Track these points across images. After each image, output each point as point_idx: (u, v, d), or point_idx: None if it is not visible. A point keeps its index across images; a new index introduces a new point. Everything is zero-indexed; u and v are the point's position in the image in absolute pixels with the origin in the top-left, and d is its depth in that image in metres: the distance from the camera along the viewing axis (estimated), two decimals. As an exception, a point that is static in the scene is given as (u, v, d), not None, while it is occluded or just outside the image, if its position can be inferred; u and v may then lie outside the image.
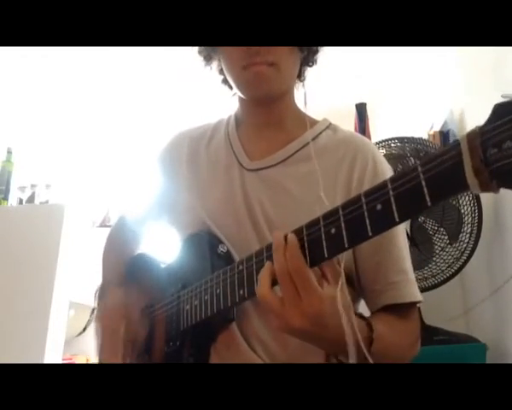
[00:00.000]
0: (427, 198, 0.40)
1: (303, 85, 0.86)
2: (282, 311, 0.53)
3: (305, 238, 0.52)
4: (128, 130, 3.01)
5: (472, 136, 0.37)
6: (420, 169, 0.41)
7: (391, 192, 0.43)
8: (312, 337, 0.55)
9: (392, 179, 0.44)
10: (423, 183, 0.40)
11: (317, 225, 0.51)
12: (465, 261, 1.36)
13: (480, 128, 0.37)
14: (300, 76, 0.84)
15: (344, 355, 0.54)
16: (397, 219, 0.43)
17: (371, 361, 0.53)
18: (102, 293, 0.86)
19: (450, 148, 0.39)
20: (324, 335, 0.54)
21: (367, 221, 0.45)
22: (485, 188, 0.37)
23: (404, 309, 0.69)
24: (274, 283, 0.54)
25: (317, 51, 0.83)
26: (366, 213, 0.45)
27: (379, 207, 0.44)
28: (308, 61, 0.82)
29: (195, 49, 0.85)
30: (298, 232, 0.53)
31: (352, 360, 0.52)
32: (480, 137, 0.37)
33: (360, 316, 0.61)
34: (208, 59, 0.83)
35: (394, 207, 0.43)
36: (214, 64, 0.84)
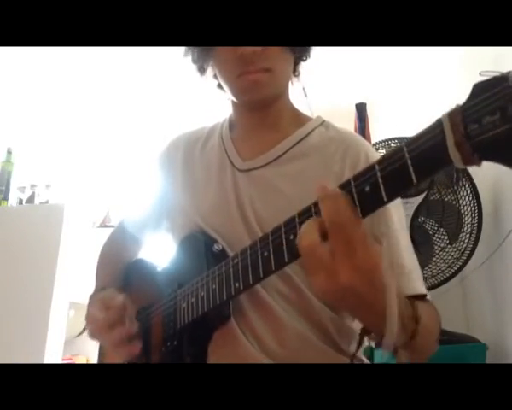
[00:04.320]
0: (413, 176, 0.42)
1: (298, 80, 0.84)
2: (331, 264, 0.46)
3: (297, 226, 0.52)
4: (128, 130, 3.00)
5: (453, 113, 0.39)
6: (405, 149, 0.42)
7: (378, 173, 0.45)
8: (358, 299, 0.47)
9: (380, 161, 0.45)
10: (409, 162, 0.42)
11: (309, 212, 0.51)
12: (465, 261, 1.36)
13: (461, 106, 0.39)
14: (295, 71, 0.83)
15: (380, 334, 0.48)
16: (385, 199, 0.44)
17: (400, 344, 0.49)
18: (93, 299, 0.84)
19: (434, 126, 0.41)
20: (371, 297, 0.47)
21: (356, 203, 0.46)
22: (468, 161, 0.38)
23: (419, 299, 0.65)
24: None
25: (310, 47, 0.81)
26: (355, 196, 0.46)
27: (367, 188, 0.46)
28: (302, 56, 0.81)
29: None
30: (290, 221, 0.53)
31: (389, 334, 0.47)
32: (461, 113, 0.39)
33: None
34: (202, 71, 0.83)
35: (382, 187, 0.44)
36: (209, 73, 0.83)
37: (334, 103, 2.47)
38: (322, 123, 0.83)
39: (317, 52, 0.82)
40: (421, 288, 0.68)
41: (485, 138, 0.37)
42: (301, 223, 0.50)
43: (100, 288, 0.85)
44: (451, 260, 1.37)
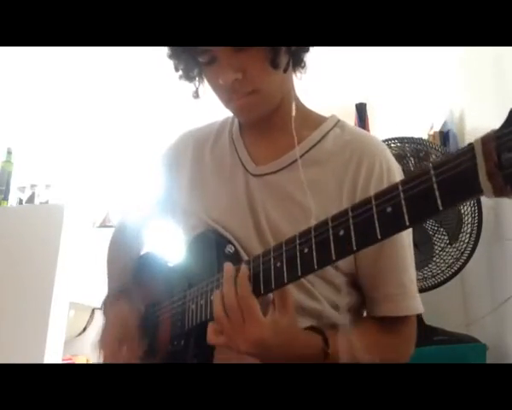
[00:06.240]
0: (439, 202, 0.39)
1: (305, 71, 0.79)
2: (231, 333, 0.59)
3: (312, 239, 0.52)
4: (128, 130, 3.00)
5: (486, 139, 0.36)
6: (432, 172, 0.40)
7: (401, 195, 0.42)
8: (262, 358, 0.61)
9: (404, 182, 0.43)
10: (435, 186, 0.39)
11: (327, 226, 0.50)
12: (465, 261, 1.36)
13: (496, 132, 0.36)
14: (301, 62, 0.76)
15: None
16: (407, 223, 0.42)
17: None
18: (109, 302, 0.85)
19: (464, 151, 0.38)
20: (272, 355, 0.60)
21: (376, 224, 0.44)
22: (499, 193, 0.36)
23: (397, 321, 0.71)
24: None
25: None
26: (376, 216, 0.44)
27: (389, 209, 0.43)
28: (300, 52, 0.75)
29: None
30: (307, 232, 0.53)
31: None
32: (495, 140, 0.36)
33: (319, 330, 0.66)
34: (196, 96, 0.83)
35: (405, 210, 0.42)
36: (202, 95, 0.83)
37: (334, 103, 2.47)
38: (337, 123, 0.80)
39: (317, 52, 0.81)
40: (416, 307, 0.72)
41: None
42: (317, 236, 0.52)
43: (115, 289, 0.85)
44: (451, 260, 1.37)
